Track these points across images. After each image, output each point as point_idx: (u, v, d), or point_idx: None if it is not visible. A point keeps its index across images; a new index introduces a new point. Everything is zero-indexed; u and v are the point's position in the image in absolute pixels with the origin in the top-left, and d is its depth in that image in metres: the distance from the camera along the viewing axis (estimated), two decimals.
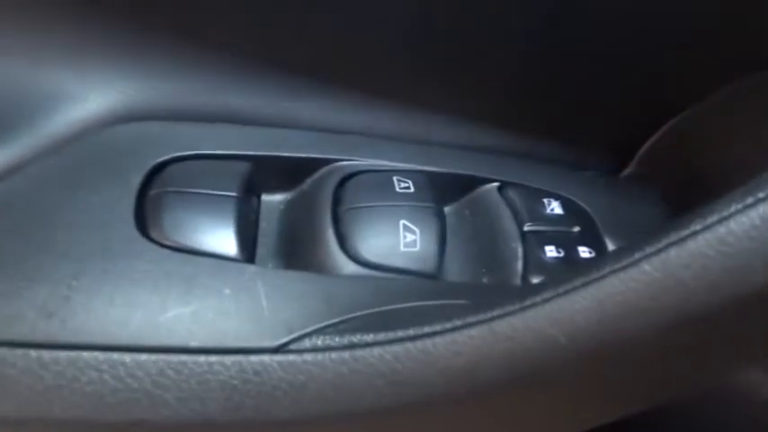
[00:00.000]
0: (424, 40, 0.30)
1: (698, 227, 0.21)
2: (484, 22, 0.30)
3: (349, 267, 0.27)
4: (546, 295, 0.22)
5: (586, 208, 0.31)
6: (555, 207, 0.31)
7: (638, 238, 0.22)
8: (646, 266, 0.21)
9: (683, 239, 0.21)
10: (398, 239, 0.28)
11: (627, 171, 0.37)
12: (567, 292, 0.22)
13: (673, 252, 0.21)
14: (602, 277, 0.21)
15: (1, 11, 0.28)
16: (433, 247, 0.28)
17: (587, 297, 0.21)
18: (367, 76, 0.31)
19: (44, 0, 0.28)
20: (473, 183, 0.31)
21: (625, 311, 0.21)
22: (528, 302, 0.22)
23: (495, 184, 0.31)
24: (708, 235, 0.21)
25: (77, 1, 0.28)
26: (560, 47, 0.31)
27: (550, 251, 0.29)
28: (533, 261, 0.28)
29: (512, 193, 0.31)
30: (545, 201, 0.31)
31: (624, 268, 0.21)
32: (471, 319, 0.23)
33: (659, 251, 0.21)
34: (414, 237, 0.28)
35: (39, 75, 0.29)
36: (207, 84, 0.30)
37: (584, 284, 0.22)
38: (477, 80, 0.32)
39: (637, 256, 0.21)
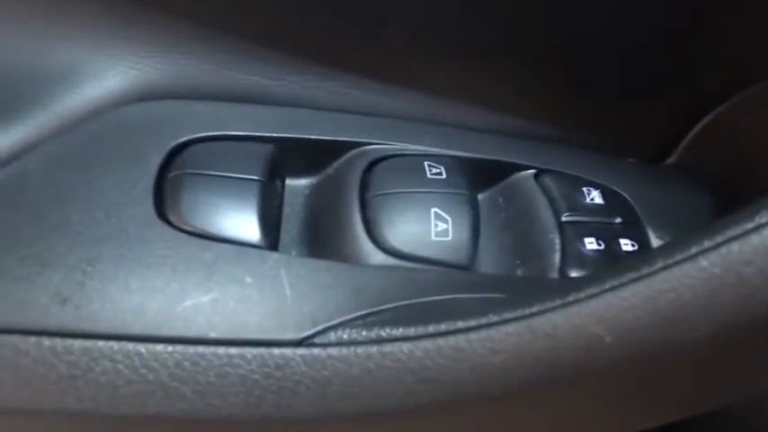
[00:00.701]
0: (459, 22, 0.29)
1: (763, 219, 0.19)
2: (522, 6, 0.28)
3: (377, 257, 0.25)
4: (591, 291, 0.20)
5: (628, 198, 0.29)
6: (595, 196, 0.29)
7: (689, 231, 0.20)
8: (703, 262, 0.19)
9: (746, 233, 0.19)
10: (429, 228, 0.26)
11: (670, 160, 0.35)
12: (614, 288, 0.20)
13: (734, 247, 0.19)
14: (654, 273, 0.20)
15: None
16: (465, 237, 0.26)
17: (637, 294, 0.20)
18: (399, 58, 0.30)
19: None
20: (508, 169, 0.30)
21: (679, 310, 0.19)
22: (571, 298, 0.21)
23: (532, 171, 0.30)
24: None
25: None
26: (602, 33, 0.29)
27: (590, 243, 0.27)
28: (572, 253, 0.27)
29: (549, 181, 0.29)
30: (584, 190, 0.29)
31: (678, 263, 0.19)
32: (508, 315, 0.21)
33: (719, 245, 0.19)
34: (446, 225, 0.26)
35: (55, 51, 0.28)
36: (229, 61, 0.29)
37: (634, 280, 0.20)
38: (515, 65, 0.30)
39: (693, 250, 0.19)
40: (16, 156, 0.26)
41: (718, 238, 0.19)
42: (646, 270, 0.20)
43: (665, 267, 0.20)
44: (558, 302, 0.21)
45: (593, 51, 0.30)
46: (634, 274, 0.20)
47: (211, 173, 0.26)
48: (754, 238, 0.19)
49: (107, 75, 0.28)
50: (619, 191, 0.30)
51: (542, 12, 0.28)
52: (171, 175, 0.26)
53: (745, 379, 0.23)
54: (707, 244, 0.19)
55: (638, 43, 0.30)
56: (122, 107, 0.28)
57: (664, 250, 0.20)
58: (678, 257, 0.20)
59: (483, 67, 0.30)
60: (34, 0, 0.27)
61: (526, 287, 0.25)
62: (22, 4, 0.27)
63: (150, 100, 0.29)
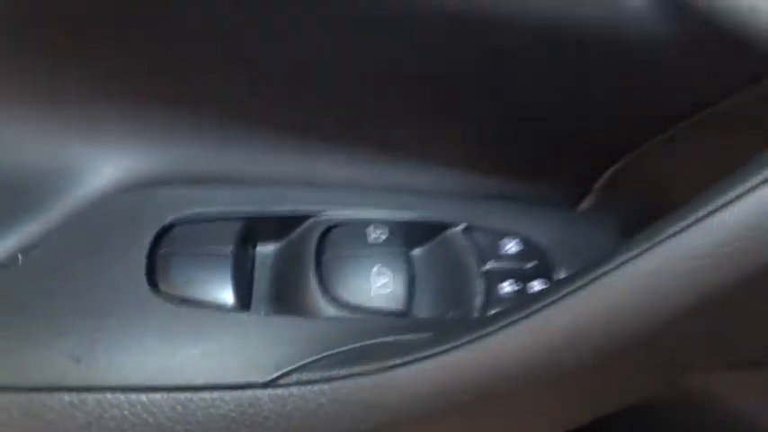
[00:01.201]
0: (393, 102, 0.35)
1: (608, 267, 0.25)
2: (444, 80, 0.34)
3: (330, 310, 0.31)
4: (487, 330, 0.26)
5: (541, 243, 0.35)
6: (513, 245, 0.35)
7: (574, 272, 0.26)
8: (570, 301, 0.25)
9: (605, 273, 0.25)
10: (373, 283, 0.32)
11: (586, 203, 0.41)
12: (503, 327, 0.26)
13: (593, 287, 0.25)
14: (533, 313, 0.26)
15: (19, 92, 0.32)
16: (403, 289, 0.32)
17: (520, 332, 0.26)
18: (345, 136, 0.36)
19: (61, 82, 0.33)
20: (441, 226, 0.36)
21: (552, 347, 0.25)
22: (475, 334, 0.26)
23: (461, 227, 0.35)
24: (619, 273, 0.25)
25: (93, 84, 0.33)
26: (516, 93, 0.35)
27: (507, 286, 0.33)
28: (492, 296, 0.33)
29: (475, 235, 0.35)
30: (504, 240, 0.35)
31: (548, 306, 0.25)
32: (426, 353, 0.27)
33: (578, 288, 0.25)
34: (386, 280, 0.32)
35: (54, 152, 0.34)
36: (206, 150, 0.35)
37: (519, 319, 0.26)
38: (444, 132, 0.36)
39: (561, 293, 0.25)
40: (31, 248, 0.32)
41: (577, 283, 0.25)
42: (527, 311, 0.26)
43: (539, 309, 0.25)
44: (462, 341, 0.27)
45: (511, 113, 0.36)
46: (518, 315, 0.26)
47: (194, 249, 0.32)
48: (595, 286, 0.24)
49: (102, 170, 0.34)
50: (534, 238, 0.36)
51: (465, 81, 0.34)
52: (161, 252, 0.32)
53: (626, 395, 0.28)
54: (566, 289, 0.25)
55: (549, 102, 0.36)
56: (116, 195, 0.34)
57: (544, 292, 0.26)
58: (551, 299, 0.25)
59: (417, 138, 0.36)
60: (34, 106, 0.33)
61: (451, 328, 0.31)
62: (21, 109, 0.33)
63: (140, 187, 0.35)
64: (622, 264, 0.25)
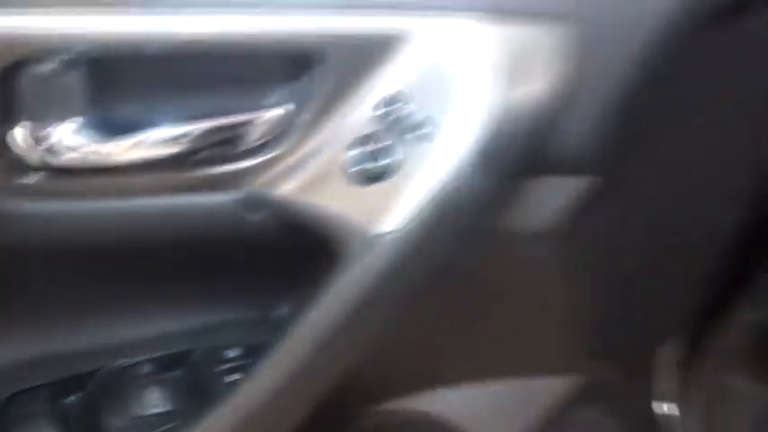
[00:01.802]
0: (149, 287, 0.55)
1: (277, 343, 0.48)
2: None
3: (121, 423, 0.51)
4: (213, 408, 0.48)
5: (252, 345, 0.57)
6: (235, 352, 0.57)
7: None
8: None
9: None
10: (150, 399, 0.53)
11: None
12: (222, 405, 0.48)
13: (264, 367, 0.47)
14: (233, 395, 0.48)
15: None
16: (169, 398, 0.53)
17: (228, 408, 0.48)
18: (118, 315, 0.56)
19: None
20: (188, 352, 0.57)
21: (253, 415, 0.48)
22: (205, 414, 0.48)
23: (201, 349, 0.57)
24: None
25: None
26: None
27: (236, 376, 0.55)
28: (226, 384, 0.54)
29: (210, 352, 0.56)
30: (229, 350, 0.57)
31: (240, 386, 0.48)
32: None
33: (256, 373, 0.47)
34: (158, 395, 0.53)
35: None
36: (21, 348, 0.54)
37: (225, 401, 0.48)
38: (178, 300, 0.58)
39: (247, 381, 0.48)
40: None
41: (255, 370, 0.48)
42: (230, 395, 0.48)
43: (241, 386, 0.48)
44: (202, 416, 0.48)
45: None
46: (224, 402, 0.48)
47: (23, 411, 0.50)
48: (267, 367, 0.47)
49: None
50: (248, 343, 0.57)
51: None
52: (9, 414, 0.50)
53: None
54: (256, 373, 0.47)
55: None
56: None
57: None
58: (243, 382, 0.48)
59: (167, 305, 0.57)
60: None
61: (199, 413, 0.52)
62: None
63: None
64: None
